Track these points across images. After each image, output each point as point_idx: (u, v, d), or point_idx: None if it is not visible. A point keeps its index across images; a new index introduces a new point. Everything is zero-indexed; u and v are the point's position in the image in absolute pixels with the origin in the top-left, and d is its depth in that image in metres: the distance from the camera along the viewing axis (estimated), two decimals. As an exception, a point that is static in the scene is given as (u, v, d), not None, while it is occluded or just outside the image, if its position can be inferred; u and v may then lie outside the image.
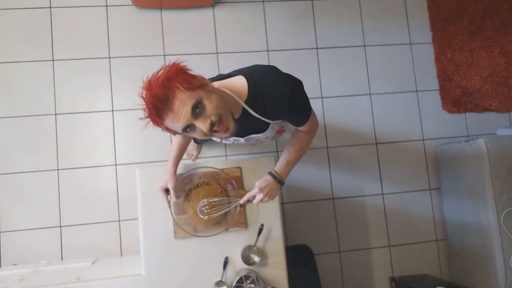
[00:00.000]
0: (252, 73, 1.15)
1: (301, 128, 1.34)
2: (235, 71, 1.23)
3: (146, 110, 0.99)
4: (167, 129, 1.04)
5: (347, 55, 2.59)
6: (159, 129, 1.04)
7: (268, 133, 1.31)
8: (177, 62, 1.02)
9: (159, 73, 0.98)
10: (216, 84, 1.17)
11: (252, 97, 1.14)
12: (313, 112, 1.30)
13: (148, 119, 1.00)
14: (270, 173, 1.36)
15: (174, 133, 1.06)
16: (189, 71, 1.03)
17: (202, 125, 1.01)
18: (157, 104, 0.95)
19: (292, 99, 1.13)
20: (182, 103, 0.97)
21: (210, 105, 1.01)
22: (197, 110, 0.99)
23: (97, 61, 2.35)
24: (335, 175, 2.47)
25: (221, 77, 1.23)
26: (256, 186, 1.35)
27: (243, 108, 1.16)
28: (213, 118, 1.01)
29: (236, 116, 1.16)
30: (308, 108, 1.24)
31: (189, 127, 1.02)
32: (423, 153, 2.57)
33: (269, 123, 1.25)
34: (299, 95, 1.18)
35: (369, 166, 2.51)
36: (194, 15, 2.47)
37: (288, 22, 2.56)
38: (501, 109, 2.62)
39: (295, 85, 1.16)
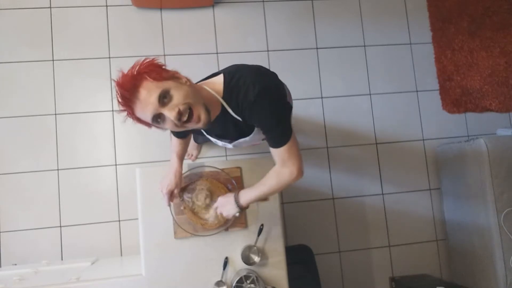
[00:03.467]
0: (231, 71, 1.15)
1: (276, 157, 1.24)
2: (220, 70, 1.22)
3: (118, 100, 1.02)
4: (139, 120, 1.06)
5: (347, 55, 2.59)
6: (133, 121, 1.06)
7: (254, 136, 1.28)
8: (150, 58, 1.04)
9: (132, 68, 1.02)
10: (199, 84, 1.18)
11: (227, 95, 1.13)
12: (295, 155, 1.22)
13: (125, 112, 1.04)
14: (234, 194, 1.36)
15: (148, 125, 1.07)
16: (162, 66, 1.05)
17: (169, 114, 1.01)
18: (125, 93, 0.99)
19: (259, 100, 1.08)
20: (149, 93, 0.99)
21: (178, 95, 1.02)
22: (165, 99, 1.01)
23: (97, 61, 2.35)
24: (335, 175, 2.47)
25: (207, 77, 1.23)
26: (219, 198, 1.42)
27: (223, 106, 1.15)
28: (181, 107, 1.01)
29: (216, 113, 1.16)
30: (279, 120, 1.15)
31: (159, 117, 1.03)
32: (423, 153, 2.57)
33: (253, 126, 1.22)
34: (269, 98, 1.10)
35: (369, 166, 2.51)
36: (194, 15, 2.47)
37: (288, 22, 2.56)
38: (501, 109, 2.62)
39: (268, 88, 1.10)
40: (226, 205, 1.37)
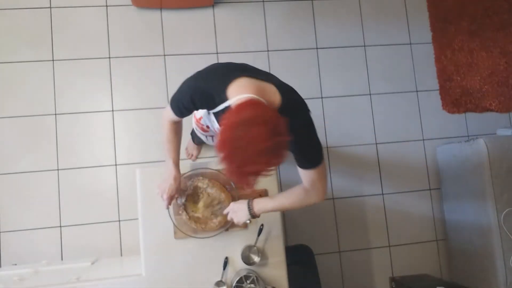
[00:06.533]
0: (284, 93, 1.14)
1: (304, 177, 1.26)
2: (266, 74, 1.21)
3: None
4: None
5: (347, 55, 2.58)
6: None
7: None
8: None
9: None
10: (253, 83, 1.10)
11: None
12: (324, 177, 1.26)
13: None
14: (248, 201, 1.35)
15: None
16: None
17: None
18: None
19: (307, 131, 1.17)
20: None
21: None
22: None
23: (97, 61, 2.35)
24: (335, 175, 2.47)
25: (254, 73, 1.16)
26: (231, 204, 1.40)
27: None
28: None
29: None
30: (317, 146, 1.22)
31: None
32: (423, 153, 2.57)
33: None
34: (313, 130, 1.19)
35: (369, 166, 2.51)
36: (194, 15, 2.47)
37: (288, 22, 2.56)
38: (501, 109, 2.62)
39: (311, 120, 1.20)
40: (237, 212, 1.37)
